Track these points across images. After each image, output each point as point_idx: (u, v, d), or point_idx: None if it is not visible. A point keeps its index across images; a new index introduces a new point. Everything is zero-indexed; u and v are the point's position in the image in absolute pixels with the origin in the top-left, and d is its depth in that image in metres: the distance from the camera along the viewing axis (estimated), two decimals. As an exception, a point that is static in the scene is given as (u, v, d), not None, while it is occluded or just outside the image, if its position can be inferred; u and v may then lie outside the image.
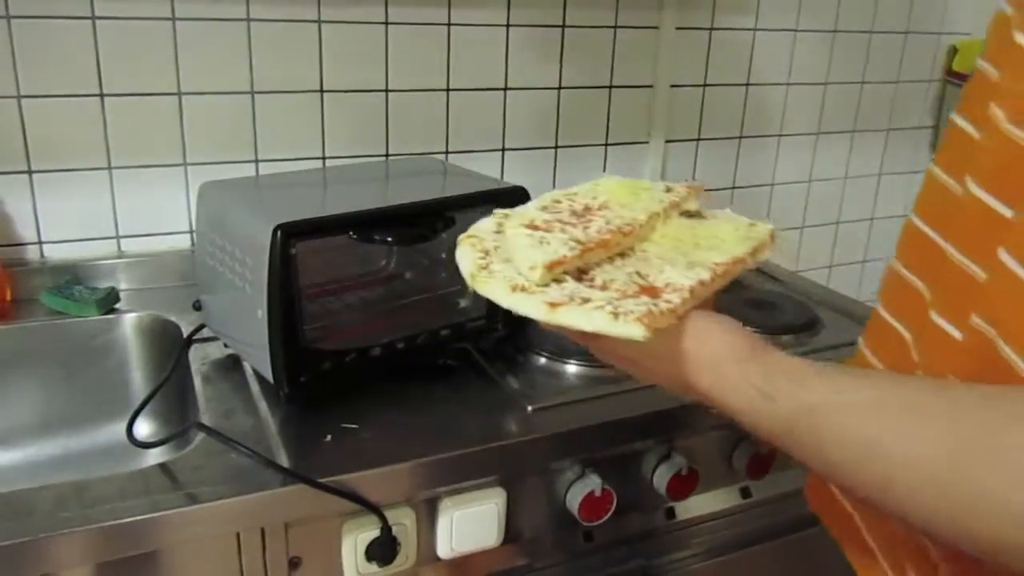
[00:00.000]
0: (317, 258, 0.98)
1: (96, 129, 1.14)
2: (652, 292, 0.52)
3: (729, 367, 0.50)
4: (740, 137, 1.62)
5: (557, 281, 0.54)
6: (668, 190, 0.65)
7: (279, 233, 0.84)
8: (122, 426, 0.90)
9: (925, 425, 0.43)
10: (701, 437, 1.02)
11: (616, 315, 0.49)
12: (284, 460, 0.81)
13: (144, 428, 1.13)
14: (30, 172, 1.13)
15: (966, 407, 0.42)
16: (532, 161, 1.44)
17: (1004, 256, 0.47)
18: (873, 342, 0.64)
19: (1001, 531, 0.39)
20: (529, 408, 0.92)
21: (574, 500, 0.93)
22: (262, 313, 0.86)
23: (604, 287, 0.53)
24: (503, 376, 0.99)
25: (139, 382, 1.13)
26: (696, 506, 1.04)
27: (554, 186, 1.47)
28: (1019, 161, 0.46)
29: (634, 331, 0.48)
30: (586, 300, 0.51)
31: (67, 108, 1.12)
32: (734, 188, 1.65)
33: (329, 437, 0.85)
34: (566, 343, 1.04)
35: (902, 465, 0.42)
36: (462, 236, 0.60)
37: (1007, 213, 0.47)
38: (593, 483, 0.94)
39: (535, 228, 0.58)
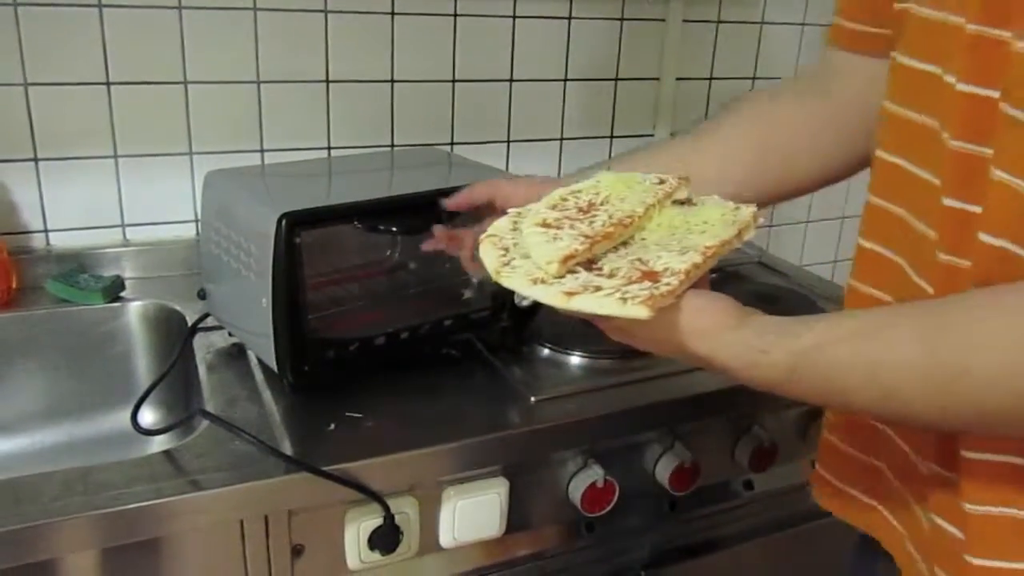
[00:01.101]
0: (322, 247, 0.99)
1: (102, 117, 1.15)
2: (652, 276, 0.58)
3: (725, 334, 0.56)
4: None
5: (571, 272, 0.60)
6: (660, 182, 0.71)
7: (284, 222, 0.84)
8: (126, 414, 0.90)
9: (904, 332, 0.50)
10: (704, 429, 1.02)
11: (624, 300, 0.55)
12: (288, 448, 0.81)
13: (148, 416, 1.13)
14: (36, 160, 1.13)
15: (932, 307, 0.52)
16: (537, 153, 1.44)
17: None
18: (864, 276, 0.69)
19: (981, 400, 0.47)
20: (532, 399, 0.92)
21: (576, 491, 0.94)
22: (266, 302, 0.86)
23: (611, 275, 0.59)
24: (507, 366, 0.99)
25: (144, 370, 1.14)
26: (698, 498, 1.04)
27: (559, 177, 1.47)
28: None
29: (640, 312, 0.55)
30: (598, 288, 0.57)
31: (73, 96, 1.12)
32: (739, 182, 1.65)
33: (333, 426, 0.85)
34: (568, 334, 1.04)
35: (892, 371, 0.50)
36: (482, 236, 0.65)
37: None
38: (595, 474, 0.94)
39: (547, 226, 0.64)
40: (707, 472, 1.02)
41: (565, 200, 0.68)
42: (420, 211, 0.93)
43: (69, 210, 1.17)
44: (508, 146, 1.42)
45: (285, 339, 0.86)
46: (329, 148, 1.28)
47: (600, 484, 0.94)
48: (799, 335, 0.54)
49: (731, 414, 1.03)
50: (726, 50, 1.53)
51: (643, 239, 0.65)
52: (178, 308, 1.12)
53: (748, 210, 0.67)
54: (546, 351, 1.04)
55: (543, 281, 0.58)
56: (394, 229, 0.92)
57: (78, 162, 1.15)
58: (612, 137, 1.50)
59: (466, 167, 1.15)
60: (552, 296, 0.57)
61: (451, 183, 1.04)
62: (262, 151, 1.24)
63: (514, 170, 1.40)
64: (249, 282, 0.89)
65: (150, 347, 1.13)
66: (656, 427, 0.98)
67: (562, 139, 1.45)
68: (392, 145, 1.33)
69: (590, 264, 0.61)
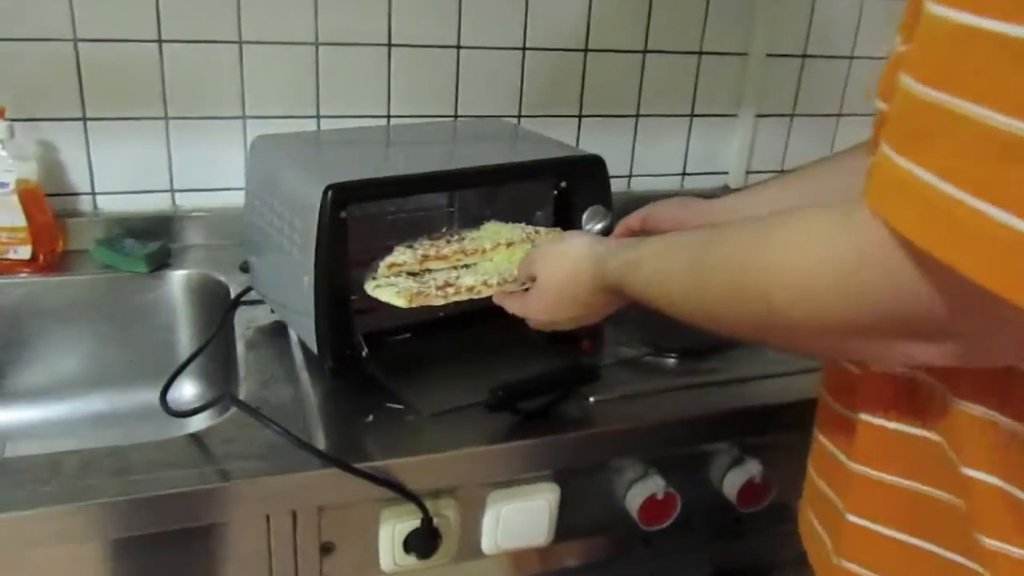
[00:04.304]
0: (371, 223, 0.92)
1: (153, 76, 1.09)
2: (449, 286, 0.83)
3: (593, 247, 0.73)
4: (839, 115, 1.49)
5: (412, 275, 0.85)
6: (536, 232, 0.92)
7: (330, 194, 0.77)
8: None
9: (681, 249, 0.60)
10: (778, 442, 0.92)
11: (398, 293, 0.81)
12: (321, 440, 0.75)
13: (188, 390, 1.09)
14: (84, 119, 1.09)
15: (711, 232, 0.57)
16: (610, 130, 1.35)
17: None
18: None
19: (709, 304, 0.55)
20: (591, 399, 0.84)
21: (634, 501, 0.86)
22: (308, 280, 0.80)
23: (422, 281, 0.84)
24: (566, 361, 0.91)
25: (185, 342, 1.09)
26: (767, 515, 0.95)
27: (632, 158, 1.38)
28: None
29: (398, 301, 0.81)
30: (392, 285, 0.82)
31: (124, 53, 1.07)
32: (827, 169, 1.53)
33: (371, 417, 0.79)
34: (635, 329, 0.96)
35: (668, 278, 0.60)
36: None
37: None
38: (656, 485, 0.86)
39: (410, 247, 0.88)
40: (779, 488, 0.92)
41: (450, 234, 0.92)
42: (480, 186, 0.86)
43: (117, 173, 1.13)
44: (579, 121, 1.33)
45: (326, 321, 0.80)
46: (389, 116, 1.21)
47: (660, 496, 0.85)
48: (631, 247, 0.67)
49: (811, 428, 0.93)
50: (822, 24, 1.41)
51: (480, 264, 0.88)
52: (223, 279, 1.07)
53: None
54: (609, 346, 0.96)
55: (381, 286, 0.83)
56: (451, 206, 0.85)
57: (127, 123, 1.11)
58: (692, 116, 1.39)
59: (532, 141, 1.06)
60: (369, 287, 0.83)
61: (515, 158, 0.96)
62: (318, 117, 1.18)
63: (585, 147, 1.31)
64: (291, 258, 0.83)
65: (192, 318, 1.09)
66: (726, 438, 0.88)
67: (638, 115, 1.36)
68: (456, 116, 1.25)
69: (422, 273, 0.85)
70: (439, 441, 0.76)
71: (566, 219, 0.93)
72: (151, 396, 1.07)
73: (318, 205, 0.77)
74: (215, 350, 0.97)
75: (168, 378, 0.84)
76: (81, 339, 1.07)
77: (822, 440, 0.66)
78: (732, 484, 0.90)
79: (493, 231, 0.94)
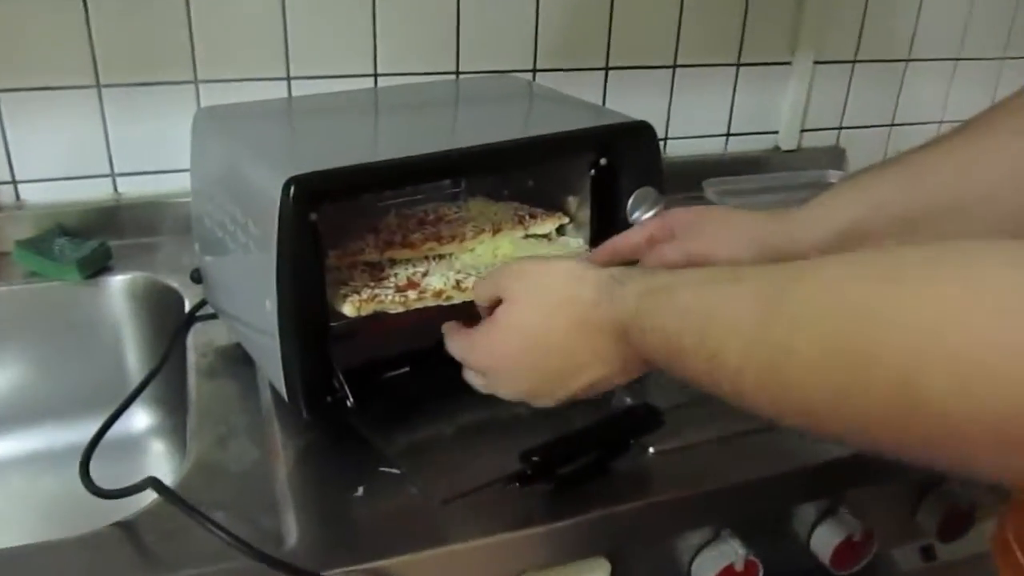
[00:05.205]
0: (351, 224, 0.71)
1: (78, 35, 0.87)
2: (414, 287, 0.65)
3: (591, 273, 0.51)
4: (908, 60, 1.27)
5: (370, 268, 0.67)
6: (532, 217, 0.75)
7: (292, 190, 0.56)
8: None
9: (746, 287, 0.41)
10: (878, 492, 0.73)
11: (344, 297, 0.62)
12: (292, 530, 0.55)
13: (141, 420, 0.90)
14: (-6, 90, 0.87)
15: (788, 269, 0.40)
16: (643, 84, 1.13)
17: None
18: None
19: (806, 393, 0.36)
20: (651, 450, 0.64)
21: (705, 573, 0.66)
22: (271, 306, 0.59)
23: (380, 281, 0.65)
24: (612, 397, 0.70)
25: (134, 364, 0.89)
26: (868, 571, 0.76)
27: (668, 117, 1.16)
28: None
29: (345, 308, 0.62)
30: (343, 284, 0.64)
31: (39, 5, 0.85)
32: (892, 126, 1.31)
33: (361, 490, 0.59)
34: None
35: (722, 326, 0.41)
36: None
37: None
38: (732, 551, 0.67)
39: (374, 230, 0.71)
40: (880, 541, 0.73)
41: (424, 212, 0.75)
42: (492, 171, 0.65)
43: (43, 156, 0.91)
44: (606, 75, 1.10)
45: (295, 360, 0.59)
46: (376, 75, 0.99)
47: (740, 566, 0.66)
48: (656, 274, 0.49)
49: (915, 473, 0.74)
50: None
51: (458, 258, 0.70)
52: (176, 286, 0.86)
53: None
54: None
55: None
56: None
57: (50, 93, 0.89)
58: (739, 65, 1.17)
59: (555, 104, 0.84)
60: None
61: (538, 129, 0.75)
62: (288, 79, 0.96)
63: (613, 105, 1.09)
64: (250, 273, 0.62)
65: (141, 335, 0.89)
66: (826, 494, 0.69)
67: (675, 66, 1.13)
68: (457, 72, 1.03)
69: (383, 267, 0.67)
70: (455, 524, 0.56)
71: (607, 205, 0.72)
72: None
73: (277, 205, 0.56)
74: (170, 371, 0.77)
75: (87, 446, 0.64)
76: (7, 366, 0.87)
77: None
78: (824, 543, 0.71)
79: (477, 210, 0.76)
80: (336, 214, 0.66)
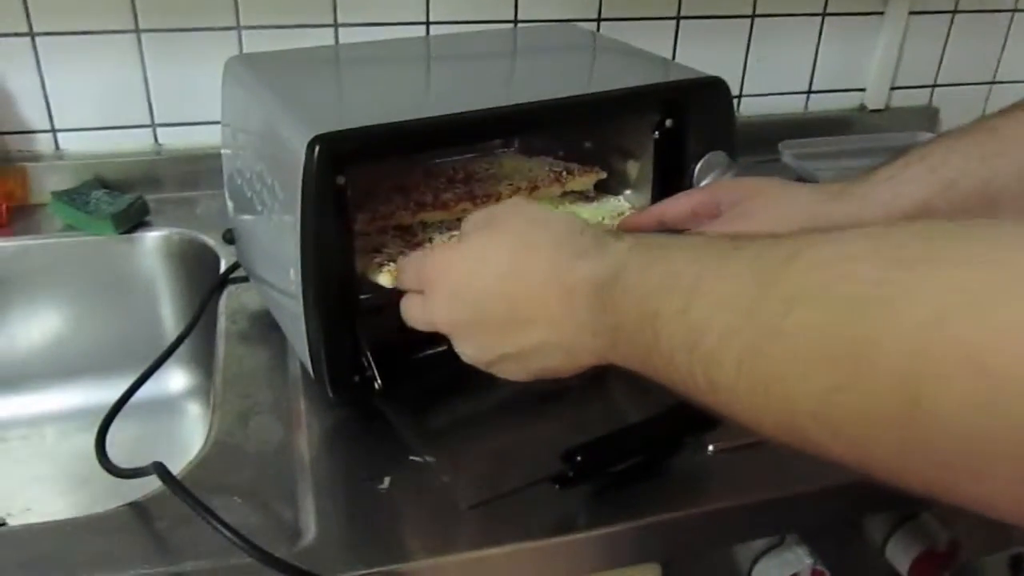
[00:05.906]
0: (383, 187, 0.65)
1: (116, -26, 0.83)
2: None
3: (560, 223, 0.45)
4: (1014, 11, 1.14)
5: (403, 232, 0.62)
6: (569, 174, 0.68)
7: (318, 151, 0.50)
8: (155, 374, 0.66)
9: (744, 254, 0.34)
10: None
11: (380, 266, 0.56)
12: (310, 526, 0.50)
13: (177, 380, 0.87)
14: (32, 35, 0.83)
15: (777, 245, 0.33)
16: (717, 35, 1.04)
17: None
18: None
19: (788, 387, 0.31)
20: (710, 448, 0.57)
21: (765, 582, 0.60)
22: (295, 275, 0.54)
23: (414, 246, 0.60)
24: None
25: (170, 321, 0.86)
26: (945, 584, 0.69)
27: (744, 71, 1.07)
28: None
29: (384, 280, 0.55)
30: (378, 253, 0.58)
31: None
32: (993, 83, 1.19)
33: (387, 481, 0.54)
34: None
35: (710, 294, 0.35)
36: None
37: None
38: (798, 560, 0.60)
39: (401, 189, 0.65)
40: (967, 550, 0.66)
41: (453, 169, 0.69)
42: (548, 129, 0.59)
43: (81, 104, 0.88)
44: (677, 24, 1.02)
45: (320, 336, 0.55)
46: (428, 23, 0.93)
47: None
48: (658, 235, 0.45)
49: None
50: None
51: None
52: (212, 244, 0.82)
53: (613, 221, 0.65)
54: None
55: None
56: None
57: (88, 38, 0.85)
58: (824, 15, 1.07)
59: (620, 56, 0.76)
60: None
61: (594, 83, 0.68)
62: (336, 26, 0.90)
63: (684, 59, 1.00)
64: (276, 238, 0.58)
65: (178, 293, 0.85)
66: (899, 506, 0.62)
67: (753, 16, 1.04)
68: (515, 21, 0.96)
69: (416, 230, 0.62)
70: (486, 525, 0.51)
71: (672, 170, 0.65)
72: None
73: (301, 166, 0.51)
74: (205, 333, 0.74)
75: (102, 421, 0.60)
76: (44, 319, 0.84)
77: None
78: (901, 552, 0.64)
79: (511, 167, 0.71)
80: (363, 173, 0.60)
